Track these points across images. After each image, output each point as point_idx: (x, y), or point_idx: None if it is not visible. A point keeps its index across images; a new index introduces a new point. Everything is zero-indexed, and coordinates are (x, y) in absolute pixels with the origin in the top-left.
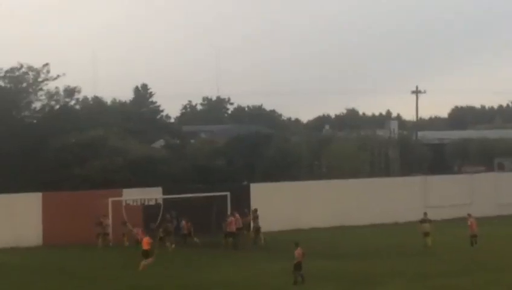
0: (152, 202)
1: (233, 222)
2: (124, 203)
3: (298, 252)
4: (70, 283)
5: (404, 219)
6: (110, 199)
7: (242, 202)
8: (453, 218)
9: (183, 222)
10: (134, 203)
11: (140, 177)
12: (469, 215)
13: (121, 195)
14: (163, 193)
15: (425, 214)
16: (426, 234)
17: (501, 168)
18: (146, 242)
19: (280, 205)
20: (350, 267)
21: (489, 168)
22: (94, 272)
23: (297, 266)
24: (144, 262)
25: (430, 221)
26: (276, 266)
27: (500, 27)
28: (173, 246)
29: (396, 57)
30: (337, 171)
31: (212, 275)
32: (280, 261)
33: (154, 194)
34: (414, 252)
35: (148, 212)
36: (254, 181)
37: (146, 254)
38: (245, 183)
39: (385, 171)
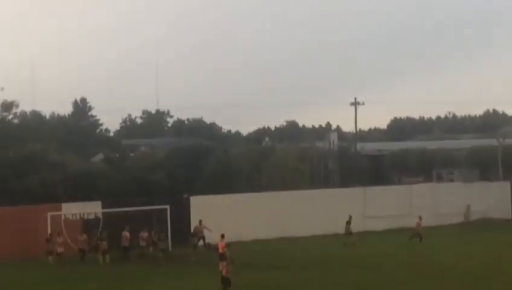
0: (92, 216)
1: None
2: (63, 218)
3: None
4: None
5: (344, 229)
6: (49, 214)
7: (182, 215)
8: (391, 228)
9: (125, 233)
10: (74, 218)
11: (80, 192)
12: (420, 218)
13: (60, 209)
14: (103, 207)
15: (350, 217)
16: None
17: (439, 178)
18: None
19: (220, 218)
20: (287, 279)
21: (428, 178)
22: (34, 287)
23: (225, 281)
24: None
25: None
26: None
27: (439, 39)
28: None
29: (335, 68)
30: (277, 183)
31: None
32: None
33: (93, 208)
34: (354, 263)
35: (88, 226)
36: (194, 194)
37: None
38: (185, 196)
39: (325, 182)
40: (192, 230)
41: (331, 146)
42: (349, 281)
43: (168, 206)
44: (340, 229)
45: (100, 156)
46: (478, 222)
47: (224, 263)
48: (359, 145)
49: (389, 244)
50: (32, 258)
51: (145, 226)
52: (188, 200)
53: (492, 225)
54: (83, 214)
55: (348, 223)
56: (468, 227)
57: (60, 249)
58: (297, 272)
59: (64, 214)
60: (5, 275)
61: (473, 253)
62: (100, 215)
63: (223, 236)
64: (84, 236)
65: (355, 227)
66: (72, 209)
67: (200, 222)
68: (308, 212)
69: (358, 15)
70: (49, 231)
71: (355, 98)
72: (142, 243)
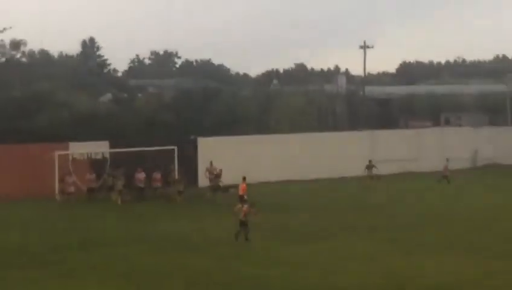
0: (99, 156)
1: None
2: (70, 157)
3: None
4: (19, 236)
5: (351, 173)
6: (57, 152)
7: (189, 156)
8: (399, 172)
9: (138, 174)
10: (81, 157)
11: (87, 131)
12: (447, 160)
13: (67, 149)
14: (110, 147)
15: (370, 161)
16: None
17: (447, 123)
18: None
19: (228, 159)
20: (297, 221)
21: (436, 123)
22: (43, 225)
23: (243, 224)
24: None
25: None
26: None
27: None
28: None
29: (345, 10)
30: (284, 126)
31: (164, 228)
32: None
33: (101, 148)
34: (361, 206)
35: (95, 166)
36: (202, 135)
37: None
38: (192, 137)
39: (333, 126)
40: (207, 172)
41: (339, 89)
42: (359, 225)
43: (175, 147)
44: (347, 172)
45: (108, 96)
46: (485, 167)
47: (244, 206)
48: (367, 89)
49: (396, 188)
50: (39, 197)
51: (152, 166)
52: (195, 141)
53: (499, 170)
54: (90, 153)
55: (369, 167)
56: (475, 172)
57: (70, 189)
58: (311, 214)
59: (72, 154)
60: (14, 213)
61: (475, 197)
62: (107, 155)
63: (244, 179)
64: (93, 175)
65: (362, 171)
66: (79, 149)
67: (211, 163)
68: (315, 156)
69: None
70: (56, 170)
71: (364, 41)
72: (156, 184)
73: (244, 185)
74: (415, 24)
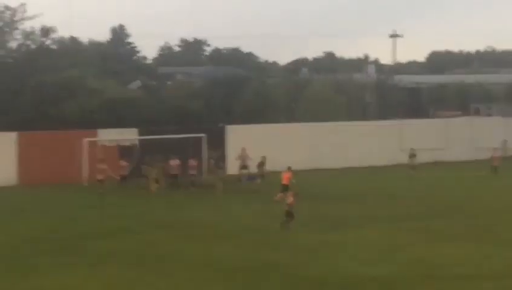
0: (128, 143)
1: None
2: (99, 144)
3: (287, 175)
4: (49, 222)
5: (380, 162)
6: (86, 139)
7: (218, 143)
8: (428, 162)
9: (174, 161)
10: (110, 144)
11: (117, 118)
12: (494, 150)
13: (96, 136)
14: (139, 134)
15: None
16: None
17: (477, 113)
18: (285, 177)
19: (256, 147)
20: (325, 210)
21: (466, 112)
22: (73, 212)
23: (289, 214)
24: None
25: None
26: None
27: None
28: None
29: (375, 0)
30: (314, 115)
31: (193, 214)
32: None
33: (129, 135)
34: (390, 195)
35: (124, 153)
36: (231, 123)
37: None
38: (221, 125)
39: (362, 114)
40: (239, 158)
41: (369, 78)
42: (387, 214)
43: (204, 135)
44: (377, 162)
45: (137, 83)
46: None
47: (288, 195)
48: (397, 78)
49: (425, 177)
50: (69, 183)
51: (188, 154)
52: (224, 129)
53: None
54: (119, 140)
55: (412, 156)
56: (504, 162)
57: (100, 176)
58: (341, 204)
59: (101, 140)
60: (44, 199)
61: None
62: (136, 143)
63: (289, 168)
64: (125, 162)
65: (391, 161)
66: (108, 136)
67: (244, 149)
68: (344, 145)
69: None
70: (85, 157)
71: (394, 30)
72: (192, 172)
73: (288, 174)
74: (445, 13)
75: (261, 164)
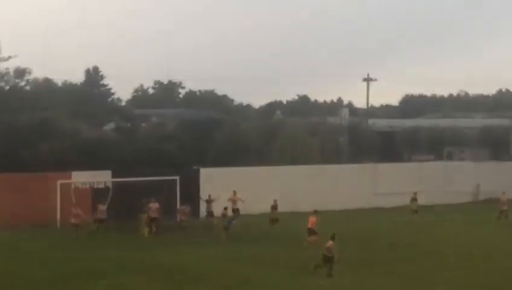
0: (101, 185)
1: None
2: (73, 186)
3: (312, 219)
4: (20, 264)
5: (354, 205)
6: (59, 182)
7: (192, 186)
8: (401, 205)
9: (153, 204)
10: (84, 186)
11: (91, 160)
12: (503, 193)
13: (70, 178)
14: (113, 176)
15: (414, 193)
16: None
17: (450, 156)
18: (310, 221)
19: (230, 190)
20: (297, 254)
21: (439, 156)
22: (45, 253)
23: (328, 259)
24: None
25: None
26: (221, 250)
27: (452, 17)
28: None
29: (349, 44)
30: (287, 157)
31: (167, 258)
32: (225, 246)
33: (103, 177)
34: (362, 238)
35: (97, 196)
36: (205, 166)
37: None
38: (195, 167)
39: (336, 158)
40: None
41: (343, 121)
42: (359, 258)
43: (177, 178)
44: (350, 205)
45: (111, 125)
46: (486, 202)
47: (329, 241)
48: (370, 121)
49: (397, 221)
50: (41, 226)
51: (154, 196)
52: (198, 171)
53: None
54: (93, 183)
55: (413, 200)
56: (476, 207)
57: (74, 220)
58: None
59: (74, 183)
60: (19, 242)
61: (473, 231)
62: (110, 185)
63: (315, 211)
64: (104, 206)
65: (365, 203)
66: (82, 178)
67: (235, 192)
68: (318, 188)
69: None
70: (58, 199)
71: (368, 74)
72: (183, 217)
73: (314, 218)
74: (419, 58)
75: (274, 207)
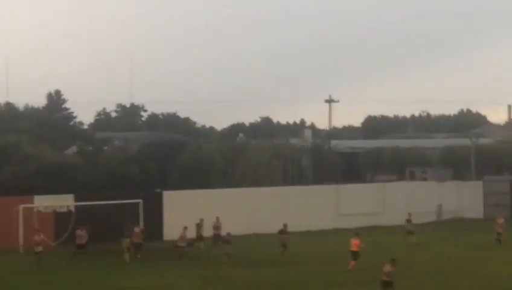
0: (64, 209)
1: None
2: (35, 210)
3: (356, 242)
4: None
5: (317, 227)
6: (21, 206)
7: (155, 209)
8: (365, 226)
9: (137, 229)
10: (46, 211)
11: (53, 184)
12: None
13: (32, 202)
14: (76, 200)
15: (409, 214)
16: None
17: (412, 177)
18: (354, 244)
19: (193, 213)
20: (263, 276)
21: (402, 176)
22: (6, 278)
23: (387, 284)
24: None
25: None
26: (191, 273)
27: (412, 39)
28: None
29: (310, 65)
30: (250, 179)
31: (126, 282)
32: (193, 269)
33: (66, 201)
34: (326, 260)
35: (60, 220)
36: (168, 188)
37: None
38: (158, 190)
39: (298, 179)
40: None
41: (305, 143)
42: (324, 280)
43: (140, 201)
44: (313, 226)
45: (74, 149)
46: (449, 221)
47: (386, 265)
48: (333, 143)
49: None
50: (3, 250)
51: (121, 221)
52: (161, 194)
53: (463, 225)
54: (55, 207)
55: (409, 221)
56: (439, 226)
57: (37, 248)
58: (281, 269)
59: (37, 207)
60: None
61: (435, 252)
62: (73, 209)
63: (357, 234)
64: (81, 231)
65: (328, 225)
66: (44, 202)
67: (218, 218)
68: (281, 209)
69: (333, 12)
70: (20, 223)
71: (330, 95)
72: (181, 243)
73: (357, 240)
74: (380, 78)
75: (283, 232)
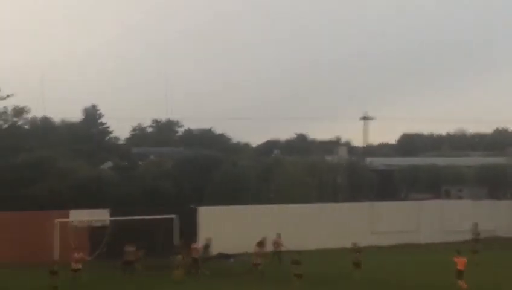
0: (99, 224)
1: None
2: (72, 227)
3: (462, 260)
4: None
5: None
6: (57, 220)
7: (189, 225)
8: (398, 244)
9: (196, 245)
10: (81, 225)
11: (88, 199)
12: None
13: (67, 216)
14: (111, 215)
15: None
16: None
17: (448, 195)
18: (461, 263)
19: (228, 229)
20: None
21: (437, 195)
22: None
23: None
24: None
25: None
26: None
27: (450, 57)
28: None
29: (347, 83)
30: (285, 196)
31: None
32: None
33: (101, 216)
34: (361, 278)
35: (95, 234)
36: (202, 204)
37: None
38: (193, 206)
39: (333, 196)
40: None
41: (340, 160)
42: None
43: (175, 216)
44: (348, 243)
45: (109, 163)
46: (485, 241)
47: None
48: (368, 160)
49: (394, 260)
50: (39, 265)
51: (156, 236)
52: (196, 210)
53: (499, 244)
54: (91, 221)
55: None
56: (475, 245)
57: (76, 266)
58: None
59: (72, 221)
60: (14, 282)
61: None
62: (108, 224)
63: (459, 252)
64: (132, 247)
65: (363, 242)
66: (79, 217)
67: (279, 235)
68: (316, 226)
69: (371, 30)
70: (56, 238)
71: (366, 113)
72: (257, 261)
73: (463, 259)
74: (416, 96)
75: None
